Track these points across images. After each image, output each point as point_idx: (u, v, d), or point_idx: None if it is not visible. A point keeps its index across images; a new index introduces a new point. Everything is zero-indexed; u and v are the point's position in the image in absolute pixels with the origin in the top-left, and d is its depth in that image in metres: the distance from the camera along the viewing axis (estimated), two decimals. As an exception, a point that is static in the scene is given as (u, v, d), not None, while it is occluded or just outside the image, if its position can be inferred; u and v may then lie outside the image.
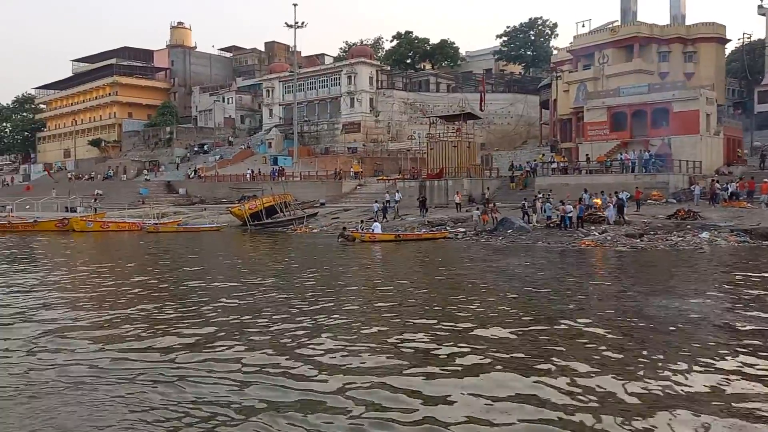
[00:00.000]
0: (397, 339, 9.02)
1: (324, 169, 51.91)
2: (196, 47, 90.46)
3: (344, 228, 25.93)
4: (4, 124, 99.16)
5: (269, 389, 6.93)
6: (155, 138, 75.51)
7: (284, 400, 6.61)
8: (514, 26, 72.13)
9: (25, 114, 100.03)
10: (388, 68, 69.41)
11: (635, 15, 50.36)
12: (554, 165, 37.32)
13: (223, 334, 9.43)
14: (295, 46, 53.97)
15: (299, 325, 9.95)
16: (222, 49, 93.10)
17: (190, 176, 60.84)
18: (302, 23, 52.47)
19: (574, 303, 11.63)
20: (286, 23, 52.25)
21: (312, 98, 68.19)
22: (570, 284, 14.03)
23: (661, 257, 18.85)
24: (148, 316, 10.92)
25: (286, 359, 8.01)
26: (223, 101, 78.45)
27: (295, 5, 50.52)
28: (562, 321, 10.04)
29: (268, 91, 72.80)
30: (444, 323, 9.99)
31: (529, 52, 72.23)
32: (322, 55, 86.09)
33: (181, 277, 16.00)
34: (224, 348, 8.62)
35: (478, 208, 28.32)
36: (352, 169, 49.71)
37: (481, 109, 44.67)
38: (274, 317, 10.59)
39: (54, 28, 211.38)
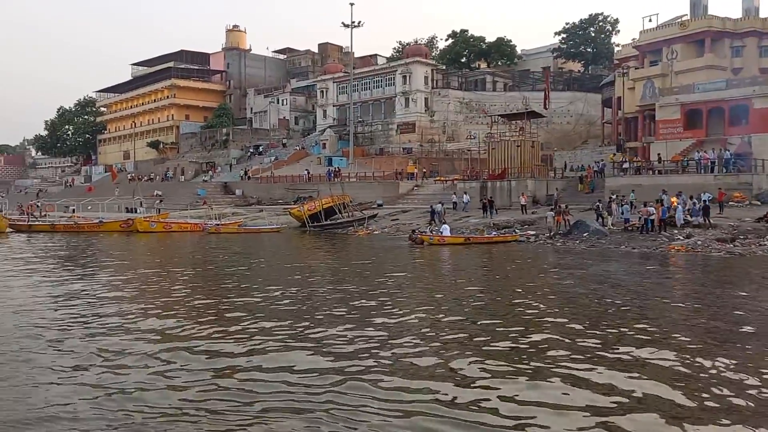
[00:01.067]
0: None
1: (379, 170, 51.38)
2: (250, 49, 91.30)
3: (413, 230, 25.15)
4: (67, 126, 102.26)
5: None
6: (212, 140, 76.50)
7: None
8: (574, 23, 70.19)
9: (86, 117, 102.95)
10: (443, 67, 68.40)
11: (706, 9, 48.00)
12: (626, 165, 35.62)
13: (295, 337, 8.75)
14: (351, 45, 53.74)
15: (380, 338, 9.18)
16: (276, 51, 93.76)
17: (242, 178, 61.47)
18: (359, 23, 52.01)
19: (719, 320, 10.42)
20: (342, 23, 51.85)
21: (366, 99, 67.70)
22: (694, 296, 12.78)
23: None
24: (220, 317, 10.33)
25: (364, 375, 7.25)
26: (278, 102, 78.82)
27: (351, 4, 50.16)
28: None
29: (322, 92, 72.76)
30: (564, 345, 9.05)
31: (589, 49, 70.16)
32: (375, 55, 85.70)
33: (252, 280, 15.45)
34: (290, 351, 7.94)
35: (551, 209, 27.11)
36: (414, 170, 48.98)
37: (545, 107, 43.27)
38: (355, 327, 9.84)
39: (114, 34, 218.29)
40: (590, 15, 70.18)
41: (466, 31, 71.83)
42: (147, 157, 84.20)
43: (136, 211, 51.15)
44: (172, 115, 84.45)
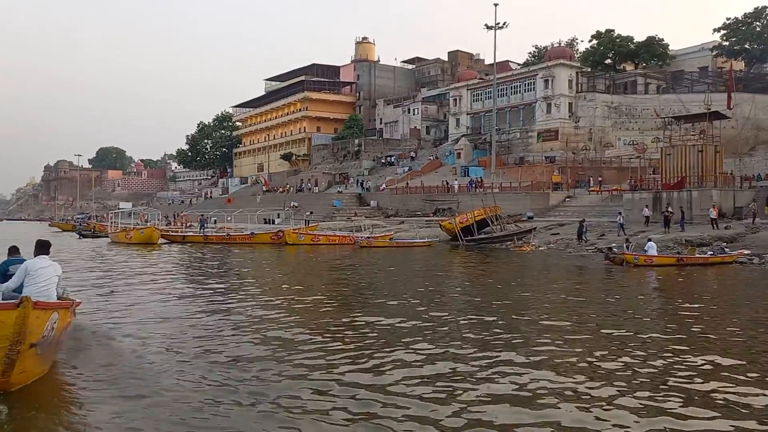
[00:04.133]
0: None
1: (519, 180, 48.25)
2: (379, 60, 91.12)
3: (610, 248, 21.84)
4: (206, 140, 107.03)
5: None
6: (343, 151, 76.42)
7: None
8: (736, 18, 63.22)
9: (223, 131, 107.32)
10: (589, 70, 63.84)
11: None
12: None
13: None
14: (495, 48, 50.96)
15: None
16: (405, 61, 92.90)
17: (364, 190, 60.55)
18: (504, 23, 48.98)
19: None
20: (486, 25, 48.98)
21: (502, 105, 64.42)
22: None
23: None
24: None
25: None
26: (409, 112, 77.49)
27: (496, 5, 47.23)
28: None
29: (455, 100, 70.40)
30: None
31: (755, 46, 62.85)
32: (506, 62, 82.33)
33: (449, 310, 12.99)
34: None
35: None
36: (559, 179, 45.33)
37: (728, 108, 38.21)
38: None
39: (249, 52, 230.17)
40: (756, 8, 62.88)
41: (612, 30, 66.69)
42: (280, 169, 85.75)
43: (273, 222, 51.26)
44: (304, 127, 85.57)
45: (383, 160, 71.05)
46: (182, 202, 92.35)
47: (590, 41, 68.03)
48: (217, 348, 8.73)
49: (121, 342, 9.06)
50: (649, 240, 20.88)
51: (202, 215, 46.16)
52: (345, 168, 72.54)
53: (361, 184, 63.37)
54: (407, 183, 57.29)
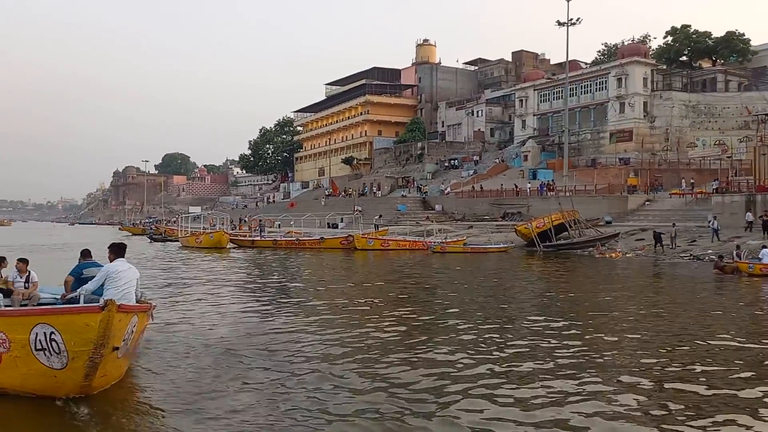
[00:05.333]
0: None
1: (592, 183, 46.20)
2: (440, 62, 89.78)
3: (721, 256, 20.06)
4: (268, 145, 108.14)
5: None
6: (405, 154, 75.49)
7: None
8: (826, 7, 59.20)
9: (284, 136, 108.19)
10: (665, 67, 60.90)
11: None
12: None
13: None
14: (567, 45, 48.88)
15: None
16: (467, 63, 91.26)
17: (426, 194, 59.36)
18: (577, 19, 47.03)
19: None
20: (558, 21, 47.24)
21: (572, 105, 62.03)
22: None
23: None
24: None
25: None
26: (473, 114, 75.91)
27: (568, 0, 45.48)
28: None
29: (521, 101, 68.44)
30: None
31: None
32: (574, 60, 79.67)
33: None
34: None
35: None
36: (635, 182, 43.15)
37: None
38: None
39: (309, 57, 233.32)
40: None
41: (688, 26, 63.38)
42: (341, 173, 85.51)
43: (336, 227, 50.74)
44: (366, 131, 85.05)
45: (446, 164, 69.71)
46: (245, 206, 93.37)
47: (664, 38, 64.95)
48: (300, 360, 8.27)
49: (200, 348, 8.79)
50: (765, 247, 19.00)
51: (261, 220, 45.98)
52: (407, 172, 71.57)
53: (419, 188, 62.18)
54: (473, 186, 55.85)
